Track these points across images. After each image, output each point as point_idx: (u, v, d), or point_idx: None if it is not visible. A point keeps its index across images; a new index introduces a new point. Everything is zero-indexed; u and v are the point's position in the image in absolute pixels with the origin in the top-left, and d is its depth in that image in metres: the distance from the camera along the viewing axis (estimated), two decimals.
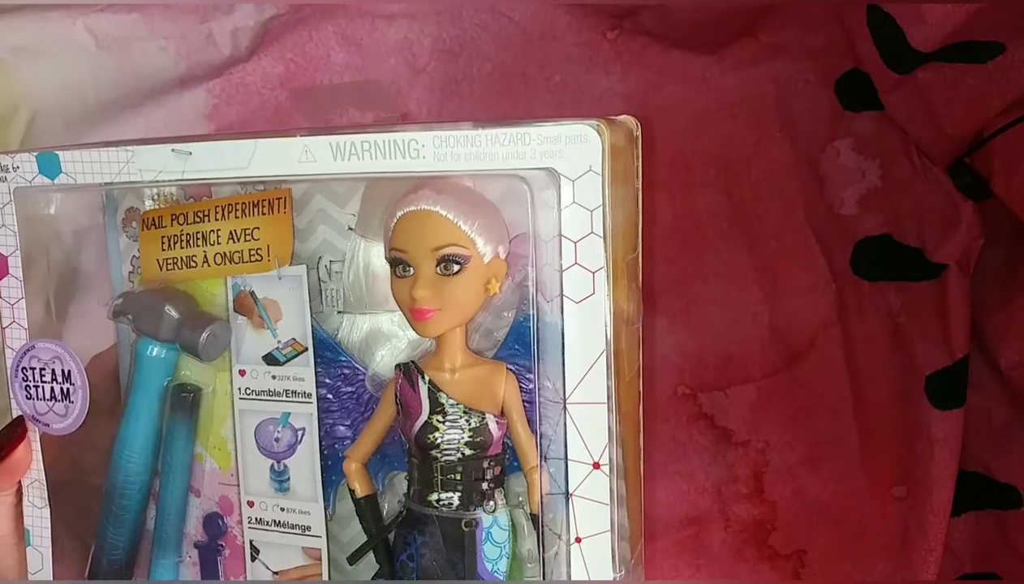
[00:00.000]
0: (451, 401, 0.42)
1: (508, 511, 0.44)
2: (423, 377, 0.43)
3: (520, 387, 0.43)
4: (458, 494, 0.42)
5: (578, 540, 0.39)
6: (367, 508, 0.45)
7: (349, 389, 0.46)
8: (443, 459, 0.42)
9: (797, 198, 0.65)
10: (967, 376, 0.63)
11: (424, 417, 0.42)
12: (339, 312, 0.46)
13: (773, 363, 0.66)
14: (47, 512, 0.47)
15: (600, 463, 0.38)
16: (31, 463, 0.47)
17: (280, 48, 0.62)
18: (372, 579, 0.46)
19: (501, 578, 0.43)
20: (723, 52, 0.63)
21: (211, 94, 0.63)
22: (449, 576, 0.43)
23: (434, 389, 0.42)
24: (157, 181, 0.43)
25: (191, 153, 0.42)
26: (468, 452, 0.42)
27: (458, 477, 0.42)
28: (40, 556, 0.48)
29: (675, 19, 0.61)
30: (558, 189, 0.37)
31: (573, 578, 0.39)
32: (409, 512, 0.44)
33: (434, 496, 0.43)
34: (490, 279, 0.41)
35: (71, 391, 0.46)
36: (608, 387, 0.38)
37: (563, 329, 0.38)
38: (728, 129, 0.64)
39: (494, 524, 0.43)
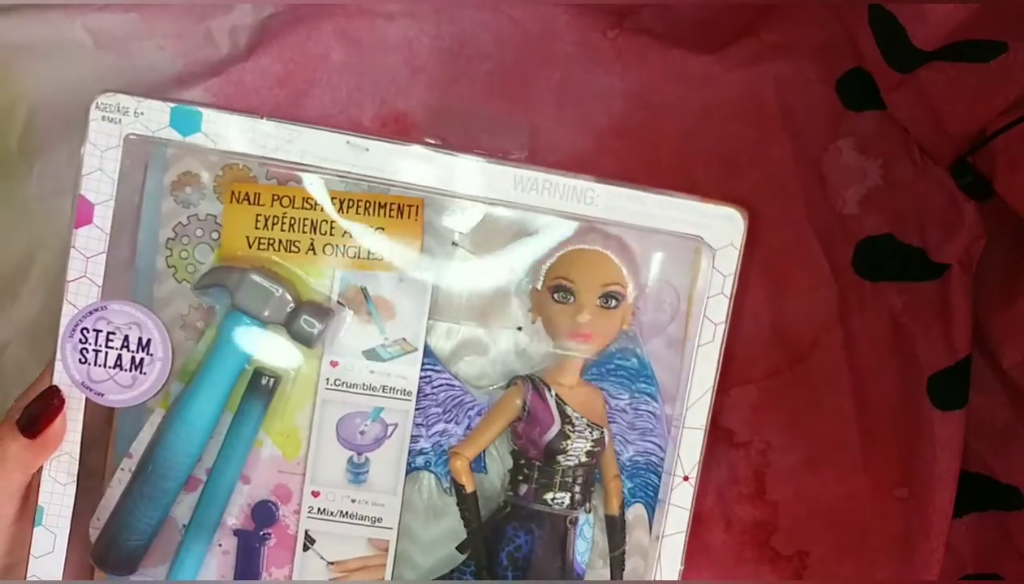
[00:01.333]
0: (576, 414, 0.49)
1: (592, 511, 0.51)
2: (549, 390, 0.49)
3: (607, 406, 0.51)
4: (570, 494, 0.49)
5: (659, 538, 0.49)
6: (472, 503, 0.50)
7: (429, 390, 0.49)
8: (565, 464, 0.49)
9: (798, 198, 0.65)
10: (969, 376, 0.63)
11: (557, 427, 0.48)
12: (430, 319, 0.49)
13: (774, 364, 0.66)
14: (72, 489, 0.45)
15: (689, 477, 0.48)
16: (64, 435, 0.44)
17: (279, 47, 0.62)
18: (459, 567, 0.50)
19: (585, 568, 0.51)
20: (724, 51, 0.63)
21: (209, 93, 0.63)
22: (551, 566, 0.50)
23: (561, 402, 0.49)
24: (320, 167, 0.44)
25: (368, 150, 0.43)
26: (584, 459, 0.49)
27: (572, 480, 0.49)
28: (53, 538, 0.45)
29: (676, 18, 0.61)
30: (701, 254, 0.47)
31: (649, 568, 0.49)
32: (516, 508, 0.49)
33: (550, 495, 0.49)
34: (626, 316, 0.49)
35: (145, 362, 0.44)
36: (708, 416, 0.48)
37: (681, 366, 0.49)
38: (729, 128, 0.64)
39: (586, 522, 0.50)
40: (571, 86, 0.63)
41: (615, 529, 0.50)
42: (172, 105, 0.43)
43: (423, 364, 0.49)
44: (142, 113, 0.43)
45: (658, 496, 0.50)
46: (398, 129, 0.63)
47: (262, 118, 0.44)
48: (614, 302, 0.48)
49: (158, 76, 0.61)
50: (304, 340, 0.46)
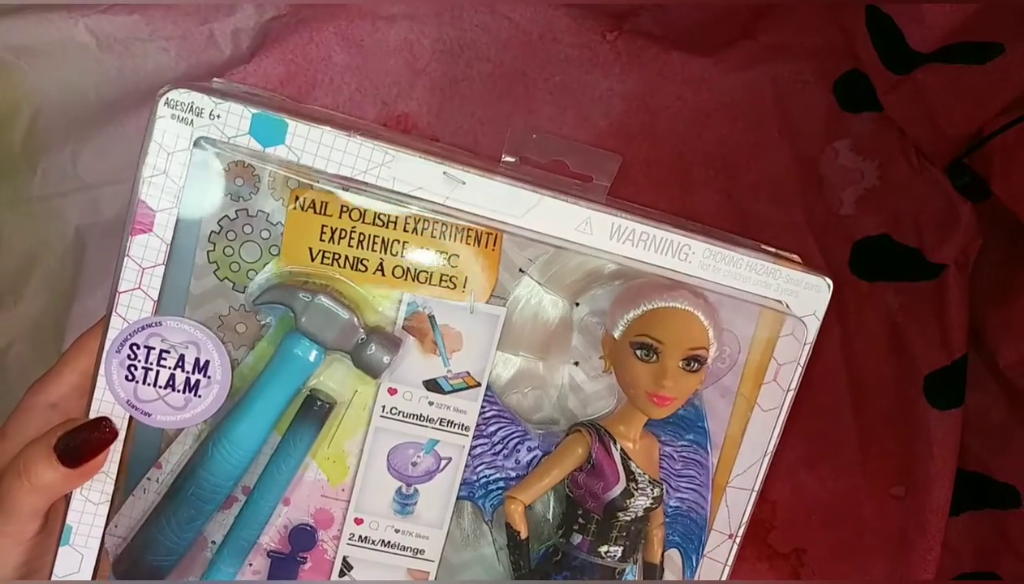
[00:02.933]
0: (639, 470, 0.47)
1: None
2: (615, 444, 0.47)
3: None
4: (623, 548, 0.48)
5: None
6: (526, 549, 0.48)
7: (480, 421, 0.47)
8: (623, 519, 0.47)
9: (796, 198, 0.65)
10: (966, 376, 0.63)
11: (622, 485, 0.47)
12: None
13: None
14: (105, 510, 0.43)
15: (735, 535, 0.49)
16: (105, 462, 0.41)
17: (281, 49, 0.63)
18: None
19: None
20: (722, 53, 0.63)
21: None
22: None
23: (626, 457, 0.47)
24: (411, 195, 0.42)
25: (464, 183, 0.42)
26: (642, 514, 0.48)
27: (626, 534, 0.48)
28: (80, 559, 0.43)
29: (674, 20, 0.61)
30: (783, 320, 0.47)
31: None
32: (567, 556, 0.48)
33: (605, 548, 0.47)
34: (703, 377, 0.47)
35: (201, 385, 0.42)
36: (760, 480, 0.48)
37: (746, 430, 0.48)
38: (727, 130, 0.64)
39: (631, 570, 0.50)
40: (570, 88, 0.63)
41: (652, 576, 0.50)
42: (254, 111, 0.40)
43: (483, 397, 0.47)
44: (218, 116, 0.39)
45: (702, 551, 0.50)
46: (400, 130, 0.63)
47: (351, 135, 0.41)
48: (696, 365, 0.45)
49: (161, 78, 0.61)
50: (372, 371, 0.44)
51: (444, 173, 0.41)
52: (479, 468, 0.48)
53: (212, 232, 0.43)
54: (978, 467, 0.66)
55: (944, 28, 0.53)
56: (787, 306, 0.46)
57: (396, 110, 0.63)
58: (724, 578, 0.50)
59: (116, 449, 0.42)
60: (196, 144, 0.40)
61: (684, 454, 0.49)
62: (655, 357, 0.45)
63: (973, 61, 0.55)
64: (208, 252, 0.43)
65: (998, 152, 0.59)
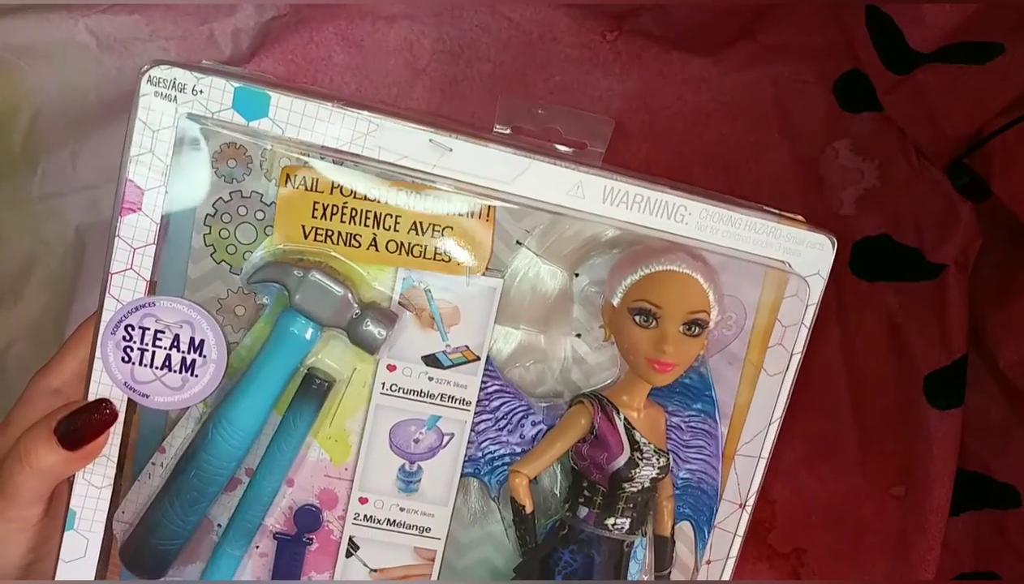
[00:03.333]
0: (644, 440, 0.46)
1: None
2: (618, 414, 0.46)
3: None
4: (630, 520, 0.47)
5: (708, 562, 0.49)
6: (532, 523, 0.48)
7: (483, 396, 0.47)
8: (629, 490, 0.46)
9: (796, 198, 0.65)
10: (966, 376, 0.63)
11: (626, 455, 0.46)
12: None
13: None
14: (108, 494, 0.42)
15: (746, 504, 0.48)
16: (106, 445, 0.41)
17: (281, 49, 0.63)
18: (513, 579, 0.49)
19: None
20: (722, 53, 0.63)
21: None
22: None
23: (629, 427, 0.46)
24: (397, 165, 0.40)
25: (451, 150, 0.40)
26: (648, 485, 0.47)
27: (633, 506, 0.47)
28: (85, 543, 0.43)
29: (674, 20, 0.61)
30: (786, 280, 0.45)
31: None
32: (573, 530, 0.47)
33: (611, 520, 0.47)
34: (705, 342, 0.46)
35: (197, 364, 0.41)
36: (770, 446, 0.47)
37: (753, 395, 0.47)
38: (727, 130, 0.64)
39: (639, 544, 0.49)
40: (570, 88, 0.63)
41: (664, 549, 0.49)
42: (236, 84, 0.39)
43: (485, 372, 0.46)
44: (201, 91, 0.39)
45: (713, 521, 0.49)
46: None
47: (333, 104, 0.39)
48: (698, 329, 0.44)
49: None
50: (368, 347, 0.43)
51: (430, 140, 0.40)
52: (484, 444, 0.47)
53: (207, 215, 0.42)
54: (978, 467, 0.66)
55: (944, 28, 0.53)
56: (790, 266, 0.45)
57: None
58: (734, 553, 0.49)
59: (116, 432, 0.42)
60: (186, 124, 0.39)
61: (693, 424, 0.48)
62: (654, 323, 0.44)
63: (973, 61, 0.55)
64: (204, 235, 0.43)
65: (998, 152, 0.59)
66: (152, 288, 0.41)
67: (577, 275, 0.46)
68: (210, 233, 0.43)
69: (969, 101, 0.57)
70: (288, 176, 0.43)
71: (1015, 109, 0.57)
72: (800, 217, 0.46)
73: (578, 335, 0.47)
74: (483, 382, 0.46)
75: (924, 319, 0.64)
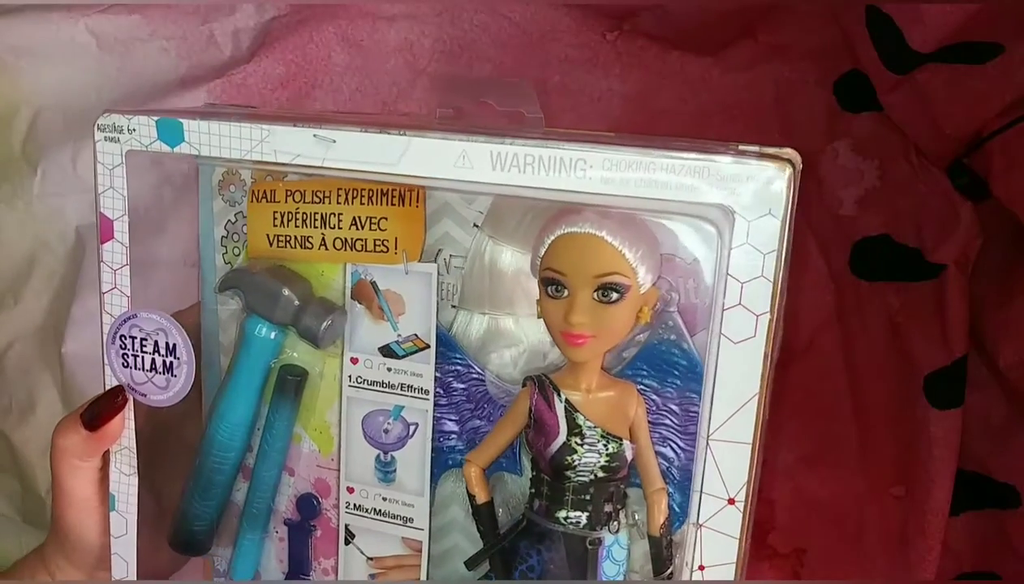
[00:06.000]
0: (589, 423, 0.42)
1: (628, 530, 0.44)
2: (559, 395, 0.43)
3: (647, 409, 0.43)
4: (586, 514, 0.43)
5: (701, 568, 0.40)
6: (487, 515, 0.46)
7: (460, 386, 0.46)
8: (576, 480, 0.43)
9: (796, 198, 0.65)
10: (966, 376, 0.63)
11: (562, 439, 0.42)
12: (454, 307, 0.45)
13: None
14: (135, 480, 0.47)
15: (736, 499, 0.39)
16: (123, 432, 0.46)
17: (281, 49, 0.63)
18: (480, 579, 0.47)
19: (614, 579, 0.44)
20: (722, 53, 0.63)
21: (212, 95, 0.63)
22: None
23: (571, 409, 0.42)
24: (293, 165, 0.42)
25: (335, 141, 0.41)
26: (601, 475, 0.43)
27: (588, 498, 0.43)
28: (124, 522, 0.48)
29: (675, 20, 0.61)
30: (731, 228, 0.36)
31: None
32: (531, 523, 0.44)
33: (563, 514, 0.43)
34: (643, 307, 0.41)
35: (175, 365, 0.45)
36: (755, 429, 0.38)
37: (716, 367, 0.38)
38: (727, 130, 0.64)
39: (615, 543, 0.44)
40: (570, 88, 0.64)
41: (658, 551, 0.43)
42: (156, 118, 0.43)
43: (453, 359, 0.45)
44: (134, 129, 0.44)
45: (687, 510, 0.41)
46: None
47: (230, 119, 0.42)
48: (615, 294, 0.40)
49: (161, 78, 0.61)
50: (310, 339, 0.46)
51: (314, 135, 0.41)
52: (466, 433, 0.46)
53: (222, 237, 0.49)
54: (978, 467, 0.66)
55: (944, 28, 0.53)
56: (731, 209, 0.36)
57: (396, 110, 0.63)
58: (736, 559, 0.40)
59: (129, 426, 0.47)
60: (127, 158, 0.44)
61: (686, 407, 0.42)
62: (565, 292, 0.41)
63: (973, 61, 0.55)
64: (223, 255, 0.49)
65: (998, 152, 0.59)
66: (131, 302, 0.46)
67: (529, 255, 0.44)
68: (227, 252, 0.49)
69: (969, 101, 0.57)
70: (253, 191, 0.47)
71: (1015, 109, 0.57)
72: (753, 147, 0.39)
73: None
74: (458, 371, 0.46)
75: (924, 319, 0.64)
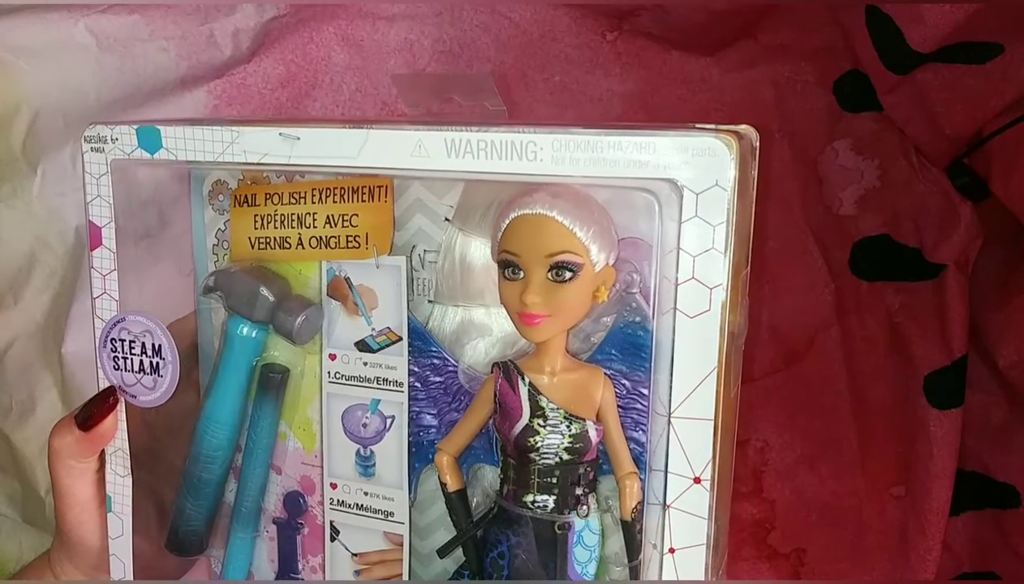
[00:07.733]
0: (552, 405, 0.42)
1: (599, 515, 0.44)
2: (523, 378, 0.43)
3: (615, 393, 0.43)
4: (553, 497, 0.43)
5: (671, 551, 0.39)
6: (458, 503, 0.46)
7: (437, 379, 0.46)
8: (541, 462, 0.43)
9: (796, 198, 0.65)
10: (965, 376, 0.63)
11: (525, 420, 0.42)
12: (430, 301, 0.46)
13: (772, 363, 0.67)
14: (129, 481, 0.48)
15: (701, 478, 0.39)
16: (116, 433, 0.47)
17: (281, 49, 0.63)
18: (458, 570, 0.47)
19: (590, 580, 0.44)
20: (722, 53, 0.63)
21: (212, 95, 0.63)
22: (540, 576, 0.43)
23: (534, 392, 0.43)
24: (262, 164, 0.43)
25: (299, 138, 0.42)
26: (566, 457, 0.42)
27: (555, 481, 0.43)
28: (120, 522, 0.48)
29: (674, 20, 0.61)
30: (680, 201, 0.37)
31: None
32: (501, 510, 0.44)
33: (529, 498, 0.43)
34: (599, 287, 0.41)
35: (161, 365, 0.46)
36: (716, 404, 0.38)
37: (673, 343, 0.38)
38: None
39: (586, 528, 0.43)
40: (570, 88, 0.64)
41: (630, 536, 0.42)
42: (136, 127, 0.44)
43: (430, 352, 0.46)
44: (116, 139, 0.45)
45: (664, 499, 0.40)
46: None
47: (200, 124, 0.43)
48: (568, 274, 0.40)
49: (161, 78, 0.61)
50: (287, 334, 0.46)
51: (279, 134, 0.42)
52: (445, 425, 0.46)
53: (213, 245, 0.51)
54: (978, 467, 0.66)
55: (944, 28, 0.53)
56: (676, 182, 0.37)
57: (396, 110, 0.63)
58: (705, 541, 0.39)
59: (122, 428, 0.47)
60: (113, 165, 0.45)
61: (640, 388, 0.42)
62: (521, 273, 0.41)
63: (973, 61, 0.55)
64: (215, 263, 0.51)
65: (998, 152, 0.59)
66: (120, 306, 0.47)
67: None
68: (218, 260, 0.51)
69: (969, 101, 0.57)
70: (236, 196, 0.48)
71: (1015, 109, 0.57)
72: (709, 126, 0.39)
73: None
74: (434, 364, 0.46)
75: (924, 319, 0.64)
